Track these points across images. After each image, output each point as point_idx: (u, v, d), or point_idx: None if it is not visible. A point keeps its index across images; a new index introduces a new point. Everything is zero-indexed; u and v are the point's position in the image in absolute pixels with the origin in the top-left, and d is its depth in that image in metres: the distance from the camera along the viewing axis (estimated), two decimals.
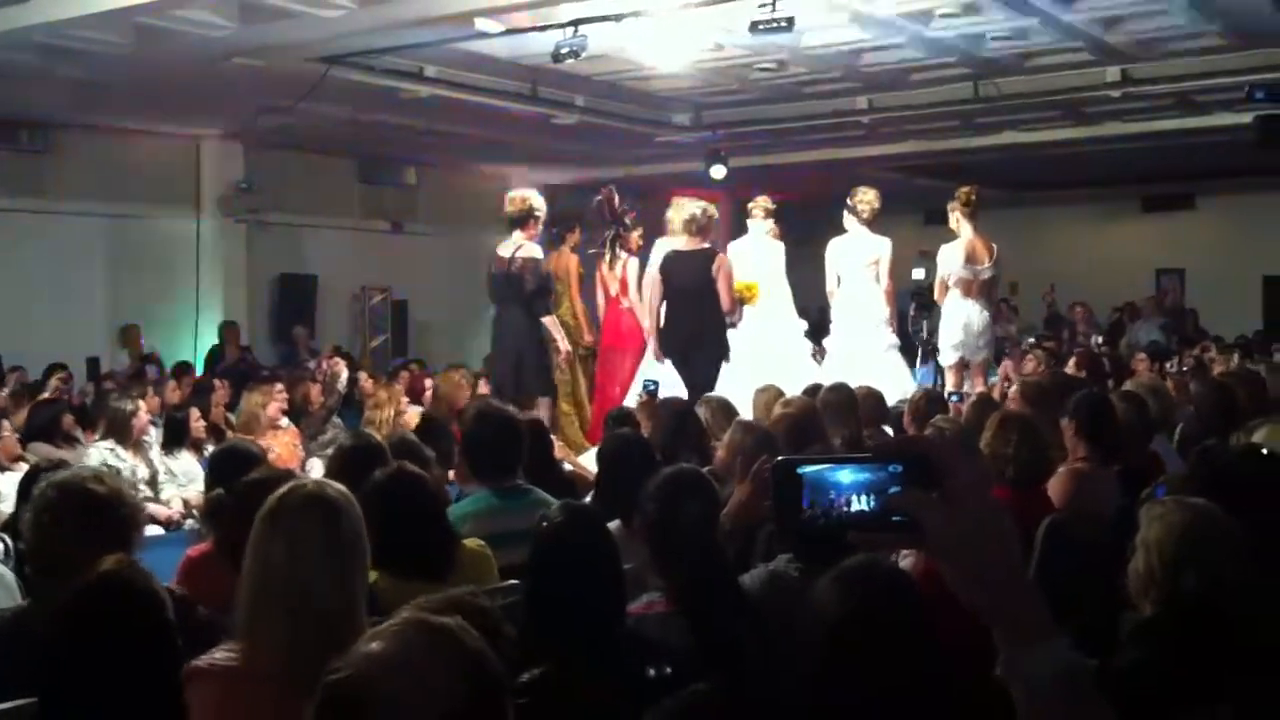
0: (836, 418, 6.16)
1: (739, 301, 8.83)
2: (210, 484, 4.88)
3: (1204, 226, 19.31)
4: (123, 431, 7.34)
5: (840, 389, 6.63)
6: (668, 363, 8.63)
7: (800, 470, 1.37)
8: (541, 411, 8.31)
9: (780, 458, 1.42)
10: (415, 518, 3.53)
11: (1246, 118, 10.94)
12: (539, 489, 4.61)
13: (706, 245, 8.55)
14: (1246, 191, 17.23)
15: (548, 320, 8.73)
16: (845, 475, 1.37)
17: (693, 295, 8.35)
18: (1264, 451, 4.20)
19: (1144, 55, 10.91)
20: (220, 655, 2.50)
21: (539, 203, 8.72)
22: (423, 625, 1.74)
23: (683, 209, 8.59)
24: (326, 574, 2.55)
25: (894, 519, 1.34)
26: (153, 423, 8.29)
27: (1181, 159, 15.74)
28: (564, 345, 8.90)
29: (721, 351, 8.39)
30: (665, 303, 8.55)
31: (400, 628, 1.73)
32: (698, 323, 8.34)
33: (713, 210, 8.73)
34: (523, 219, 8.61)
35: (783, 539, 3.73)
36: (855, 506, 1.36)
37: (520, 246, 8.52)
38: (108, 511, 3.22)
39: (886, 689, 2.25)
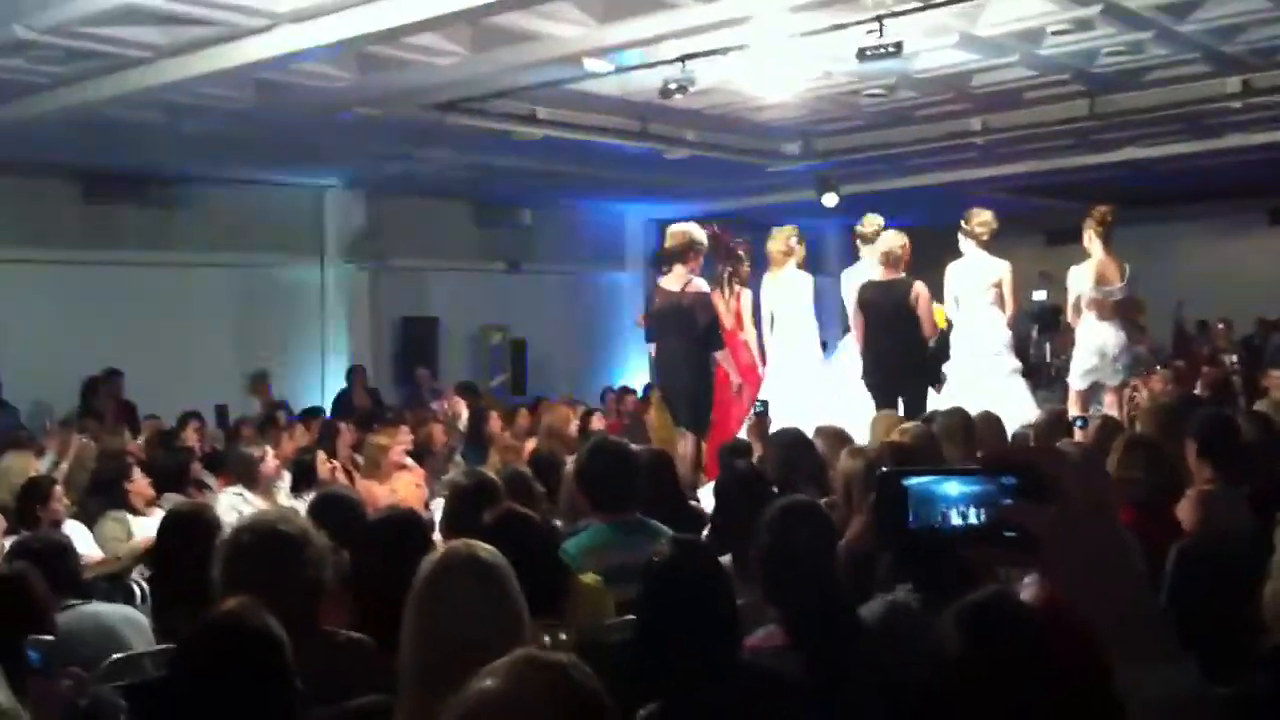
0: (952, 443, 6.09)
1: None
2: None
3: None
4: (251, 477, 7.53)
5: (955, 414, 6.54)
6: (771, 391, 8.67)
7: (905, 482, 1.33)
8: (687, 447, 8.32)
9: (884, 469, 1.39)
10: (524, 556, 3.56)
11: None
12: (660, 523, 4.62)
13: (902, 275, 8.90)
14: None
15: (720, 355, 8.81)
16: (952, 487, 1.32)
17: (893, 324, 8.73)
18: None
19: (1264, 64, 10.61)
20: None
21: (700, 235, 8.81)
22: (534, 661, 1.76)
23: (885, 242, 9.00)
24: (498, 640, 2.58)
25: (1005, 534, 1.29)
26: (286, 467, 8.53)
27: None
28: (735, 379, 8.92)
29: (928, 378, 8.76)
30: (864, 333, 8.90)
31: (511, 665, 1.75)
32: (900, 352, 8.66)
33: (906, 242, 9.02)
34: (683, 252, 8.66)
35: (898, 564, 3.69)
36: (957, 520, 1.31)
37: (689, 281, 8.58)
38: (300, 554, 3.27)
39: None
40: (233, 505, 7.23)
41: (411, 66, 9.08)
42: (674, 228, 8.89)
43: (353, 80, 9.36)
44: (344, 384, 14.01)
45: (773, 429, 6.76)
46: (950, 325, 9.54)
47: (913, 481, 1.34)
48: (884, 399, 8.66)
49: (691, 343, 8.54)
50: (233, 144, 11.17)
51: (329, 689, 2.74)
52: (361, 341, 14.86)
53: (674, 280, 8.64)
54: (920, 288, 8.97)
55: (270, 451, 7.98)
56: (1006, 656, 2.25)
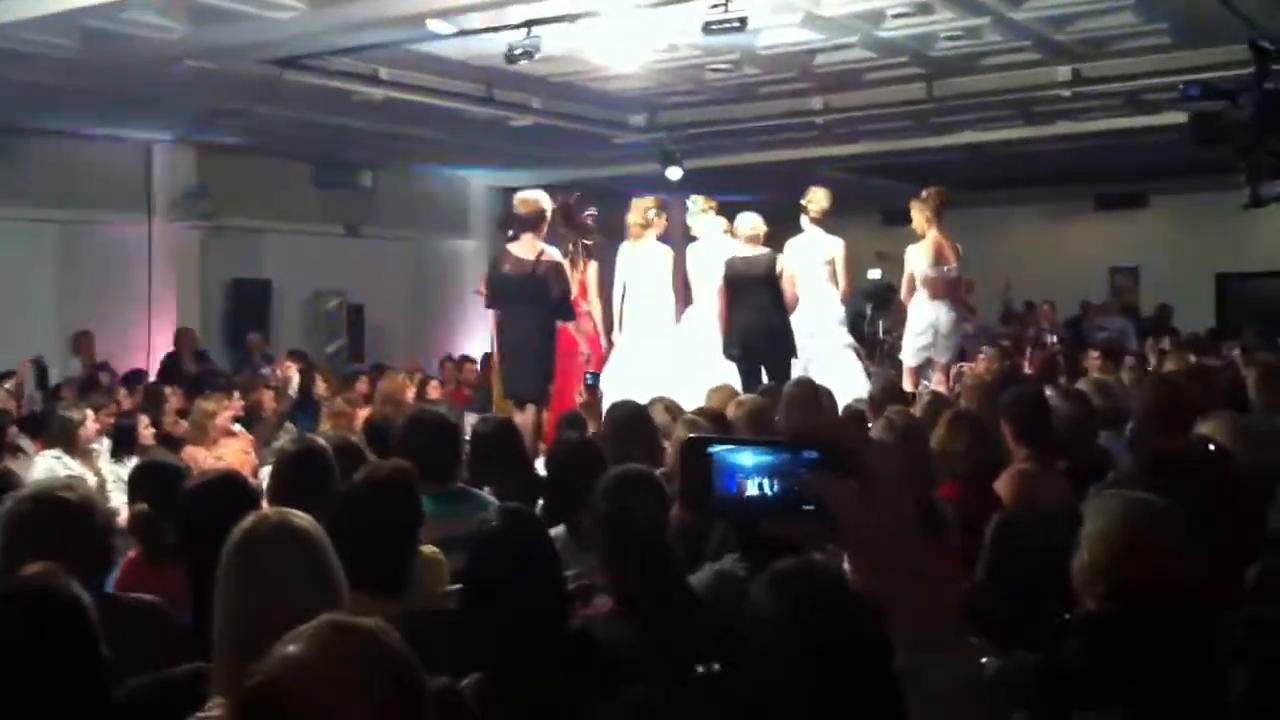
0: (799, 412, 6.17)
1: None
2: (133, 499, 4.79)
3: (1157, 224, 19.49)
4: (70, 440, 7.27)
5: (802, 382, 6.64)
6: (622, 360, 8.68)
7: (709, 450, 1.32)
8: (529, 416, 8.25)
9: (690, 435, 1.38)
10: (375, 538, 3.45)
11: None
12: (483, 494, 4.58)
13: (766, 249, 9.11)
14: (1198, 190, 17.39)
15: (572, 325, 8.77)
16: (748, 457, 1.31)
17: (759, 297, 8.93)
18: (1210, 445, 4.22)
19: (1093, 54, 10.99)
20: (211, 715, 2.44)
21: (549, 204, 8.67)
22: (340, 626, 1.72)
23: (746, 222, 9.19)
24: (315, 609, 2.51)
25: (803, 506, 1.29)
26: (107, 432, 8.25)
27: (1133, 158, 15.87)
28: (585, 348, 8.89)
29: (792, 349, 8.91)
30: (730, 304, 9.01)
31: (316, 630, 1.71)
32: (763, 322, 8.86)
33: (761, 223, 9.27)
34: (535, 221, 8.52)
35: (728, 535, 3.73)
36: (752, 490, 1.31)
37: (543, 250, 8.45)
38: (83, 521, 3.19)
39: (822, 695, 2.24)
40: (50, 469, 6.99)
41: (248, 20, 8.81)
42: (525, 195, 8.75)
43: (186, 32, 9.04)
44: (171, 347, 13.59)
45: (618, 399, 6.77)
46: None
47: (715, 450, 1.34)
48: (749, 371, 8.76)
49: (542, 311, 8.43)
50: (58, 94, 10.69)
51: (123, 656, 2.64)
52: (191, 303, 14.39)
53: (525, 248, 8.50)
54: (784, 260, 9.15)
55: (91, 415, 7.71)
56: (813, 621, 2.28)
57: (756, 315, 8.93)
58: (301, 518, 2.73)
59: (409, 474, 3.69)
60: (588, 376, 7.69)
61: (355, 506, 3.55)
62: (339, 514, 3.39)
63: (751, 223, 9.23)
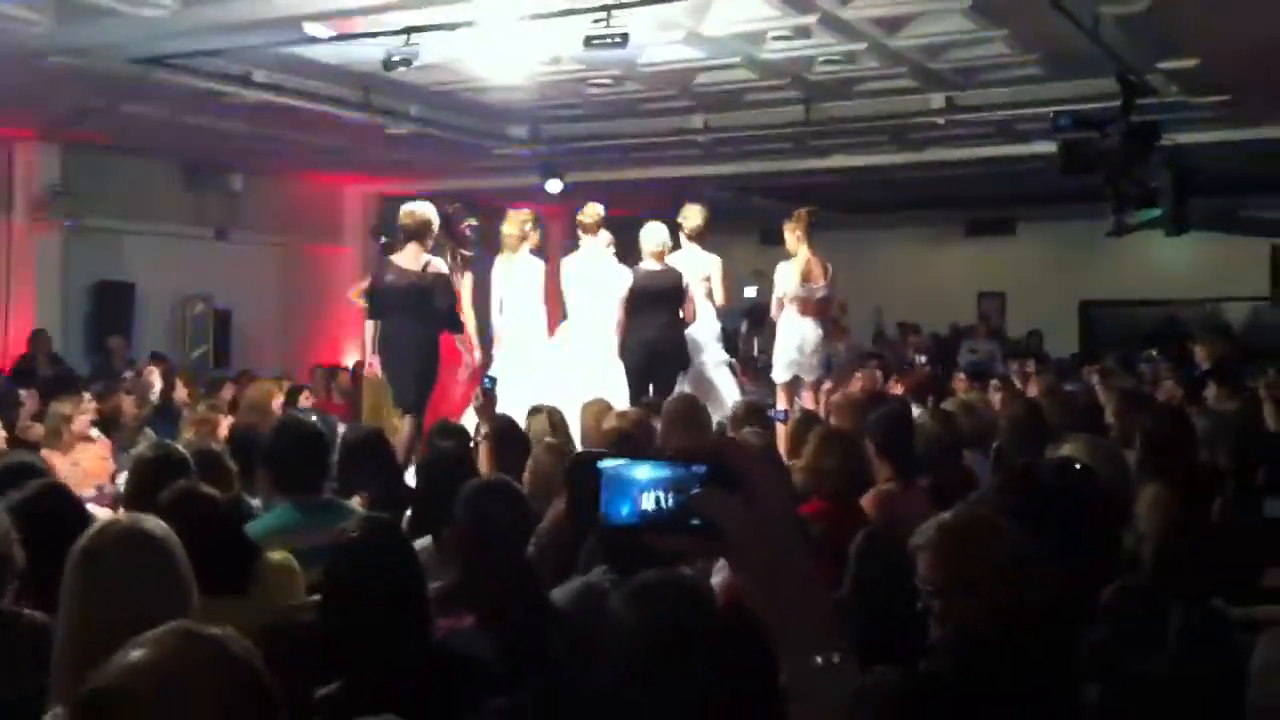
0: (679, 427, 6.16)
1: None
2: None
3: (1024, 251, 20.00)
4: None
5: (685, 399, 6.65)
6: (499, 374, 8.63)
7: (599, 465, 1.33)
8: (405, 427, 8.20)
9: (580, 451, 1.37)
10: (205, 534, 3.40)
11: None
12: (350, 506, 4.49)
13: (671, 266, 9.34)
14: (1065, 218, 17.90)
15: (460, 337, 8.79)
16: (643, 472, 1.32)
17: (661, 311, 9.20)
18: (1076, 465, 4.32)
19: (967, 83, 11.24)
20: None
21: (435, 216, 8.70)
22: (188, 633, 1.68)
23: (653, 236, 9.38)
24: (160, 617, 2.42)
25: (692, 521, 1.30)
26: None
27: (1003, 185, 16.28)
28: (473, 360, 8.92)
29: (684, 364, 9.21)
30: (630, 316, 9.19)
31: (162, 635, 1.66)
32: (664, 337, 9.14)
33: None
34: (421, 231, 8.53)
35: (596, 549, 3.69)
36: (648, 505, 1.31)
37: (429, 261, 8.46)
38: None
39: (680, 706, 2.22)
40: None
41: (117, 16, 8.56)
42: (411, 206, 8.77)
43: (52, 26, 8.75)
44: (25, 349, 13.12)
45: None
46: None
47: (606, 465, 1.34)
48: (639, 383, 8.95)
49: (425, 323, 8.43)
50: None
51: (12, 673, 2.53)
52: (51, 305, 13.91)
53: (410, 259, 8.50)
54: (686, 278, 9.41)
55: None
56: (671, 631, 2.27)
57: (658, 330, 9.18)
58: (153, 522, 2.64)
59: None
60: (485, 380, 7.67)
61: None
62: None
63: (659, 237, 9.41)
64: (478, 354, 9.43)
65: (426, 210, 8.70)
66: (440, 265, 8.63)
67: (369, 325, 9.01)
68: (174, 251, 15.24)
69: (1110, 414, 7.46)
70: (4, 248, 13.78)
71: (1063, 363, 14.71)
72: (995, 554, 2.96)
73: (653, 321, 9.17)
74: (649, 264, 9.37)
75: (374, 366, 9.05)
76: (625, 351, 9.17)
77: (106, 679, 1.61)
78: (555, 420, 6.31)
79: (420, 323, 8.42)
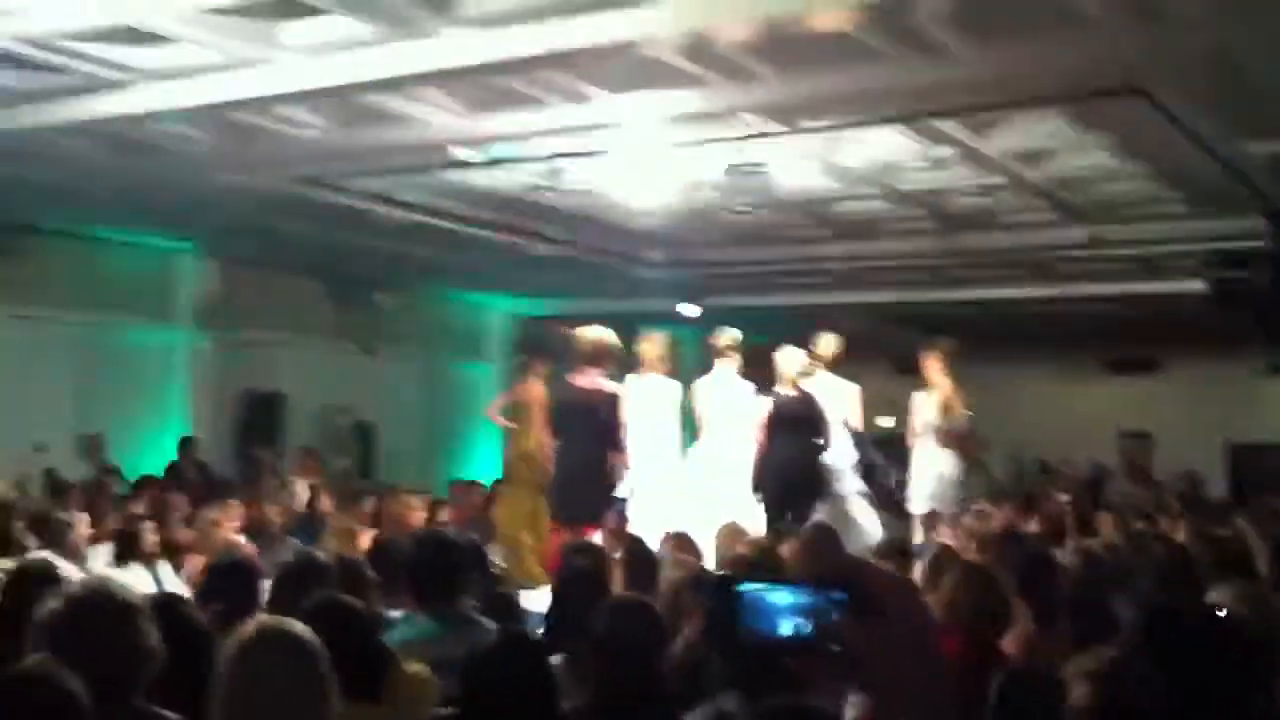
0: (811, 555, 6.09)
1: None
2: (207, 597, 4.73)
3: (1169, 391, 19.49)
4: (61, 543, 7.25)
5: (821, 527, 6.58)
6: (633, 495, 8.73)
7: (739, 588, 1.34)
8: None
9: (721, 573, 1.39)
10: (344, 641, 3.47)
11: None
12: (484, 619, 4.52)
13: (808, 392, 9.47)
14: (1210, 358, 17.45)
15: (619, 456, 9.01)
16: (783, 597, 1.34)
17: (799, 437, 9.28)
18: (1219, 612, 4.17)
19: (1109, 217, 11.12)
20: None
21: (613, 340, 9.23)
22: None
23: (791, 362, 9.56)
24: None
25: (830, 646, 1.31)
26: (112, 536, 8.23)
27: (1145, 322, 15.97)
28: (631, 479, 9.12)
29: (822, 493, 9.30)
30: (769, 441, 9.32)
31: None
32: (801, 463, 9.24)
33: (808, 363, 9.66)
34: (598, 355, 9.09)
35: (728, 673, 3.65)
36: (787, 630, 1.33)
37: (601, 385, 9.02)
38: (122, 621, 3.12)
39: None
40: None
41: (275, 136, 8.96)
42: (587, 330, 9.22)
43: (214, 144, 9.19)
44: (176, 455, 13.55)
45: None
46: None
47: (746, 588, 1.36)
48: (775, 509, 8.95)
49: (597, 441, 8.83)
50: (83, 198, 10.85)
51: None
52: (203, 412, 14.41)
53: (587, 380, 8.97)
54: (820, 405, 9.50)
55: (84, 519, 7.71)
56: None
57: (795, 455, 9.18)
58: (301, 627, 2.72)
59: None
60: (618, 504, 7.77)
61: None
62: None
63: (797, 363, 9.50)
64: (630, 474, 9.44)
65: (605, 335, 9.18)
66: (613, 386, 9.05)
67: (548, 443, 9.44)
68: (320, 364, 15.69)
69: (1263, 561, 7.18)
70: (162, 356, 14.35)
71: (1211, 506, 14.20)
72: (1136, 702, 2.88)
73: (790, 447, 9.16)
74: (786, 389, 9.37)
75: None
76: (762, 477, 9.14)
77: None
78: (685, 544, 6.30)
79: (591, 440, 8.81)
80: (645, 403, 9.63)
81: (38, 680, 2.45)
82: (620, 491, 8.87)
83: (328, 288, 15.70)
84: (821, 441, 9.36)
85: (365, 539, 7.81)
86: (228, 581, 4.63)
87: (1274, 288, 8.37)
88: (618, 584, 5.17)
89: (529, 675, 2.99)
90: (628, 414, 9.50)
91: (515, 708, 2.85)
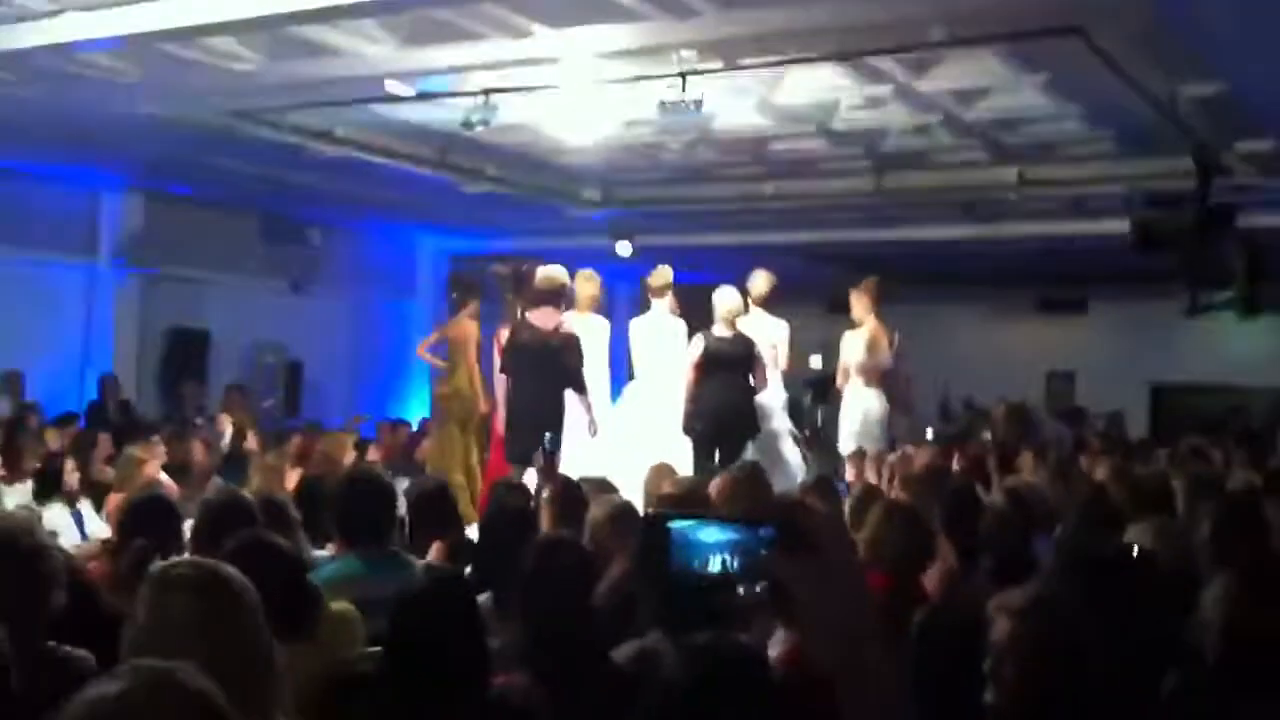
0: (740, 494, 6.13)
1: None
2: (128, 533, 4.66)
3: (1096, 331, 19.79)
4: None
5: (748, 467, 6.61)
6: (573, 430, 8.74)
7: (669, 525, 1.34)
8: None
9: (651, 510, 1.38)
10: (269, 581, 3.45)
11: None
12: (411, 558, 4.52)
13: (742, 333, 9.34)
14: (1137, 299, 17.71)
15: (581, 397, 8.92)
16: (712, 533, 1.33)
17: (732, 378, 9.17)
18: (1134, 550, 4.25)
19: (1040, 158, 11.21)
20: None
21: (567, 279, 9.15)
22: (142, 670, 1.75)
23: (726, 301, 9.37)
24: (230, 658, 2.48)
25: (759, 583, 1.31)
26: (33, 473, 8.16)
27: (1075, 263, 16.15)
28: (595, 420, 9.04)
29: (752, 431, 9.15)
30: (699, 381, 9.21)
31: (121, 672, 1.74)
32: (733, 404, 9.11)
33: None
34: (554, 295, 8.96)
35: (654, 611, 3.68)
36: (715, 566, 1.32)
37: (560, 323, 8.84)
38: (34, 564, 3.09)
39: None
40: None
41: (204, 69, 8.78)
42: (548, 269, 9.10)
43: (142, 78, 8.99)
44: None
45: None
46: None
47: (676, 525, 1.35)
48: (705, 449, 8.91)
49: (553, 382, 8.70)
50: (6, 131, 10.58)
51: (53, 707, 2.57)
52: (127, 349, 14.20)
53: (544, 319, 8.83)
54: (758, 346, 9.41)
55: None
56: (725, 691, 2.26)
57: (728, 396, 9.07)
58: (222, 566, 2.70)
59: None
60: (547, 441, 7.75)
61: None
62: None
63: (732, 303, 9.37)
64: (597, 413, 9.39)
65: (560, 274, 9.05)
66: (570, 327, 8.90)
67: (500, 379, 9.19)
68: (249, 301, 15.51)
69: (1181, 500, 7.33)
70: (84, 293, 14.10)
71: (1130, 444, 14.47)
72: (1057, 639, 2.93)
73: (722, 388, 9.14)
74: (720, 329, 9.35)
75: (498, 420, 9.35)
76: (693, 417, 9.14)
77: (68, 714, 1.68)
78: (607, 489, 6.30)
79: (548, 381, 8.68)
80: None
81: None
82: (582, 431, 8.86)
83: (259, 224, 15.48)
84: (754, 383, 9.34)
85: (291, 478, 7.76)
86: (147, 519, 4.57)
87: (1198, 230, 8.46)
88: (546, 523, 5.17)
89: (457, 614, 3.00)
90: None
91: (443, 646, 2.85)
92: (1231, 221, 9.29)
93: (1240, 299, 9.98)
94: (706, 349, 9.24)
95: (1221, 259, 9.46)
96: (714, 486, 6.14)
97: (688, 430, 9.11)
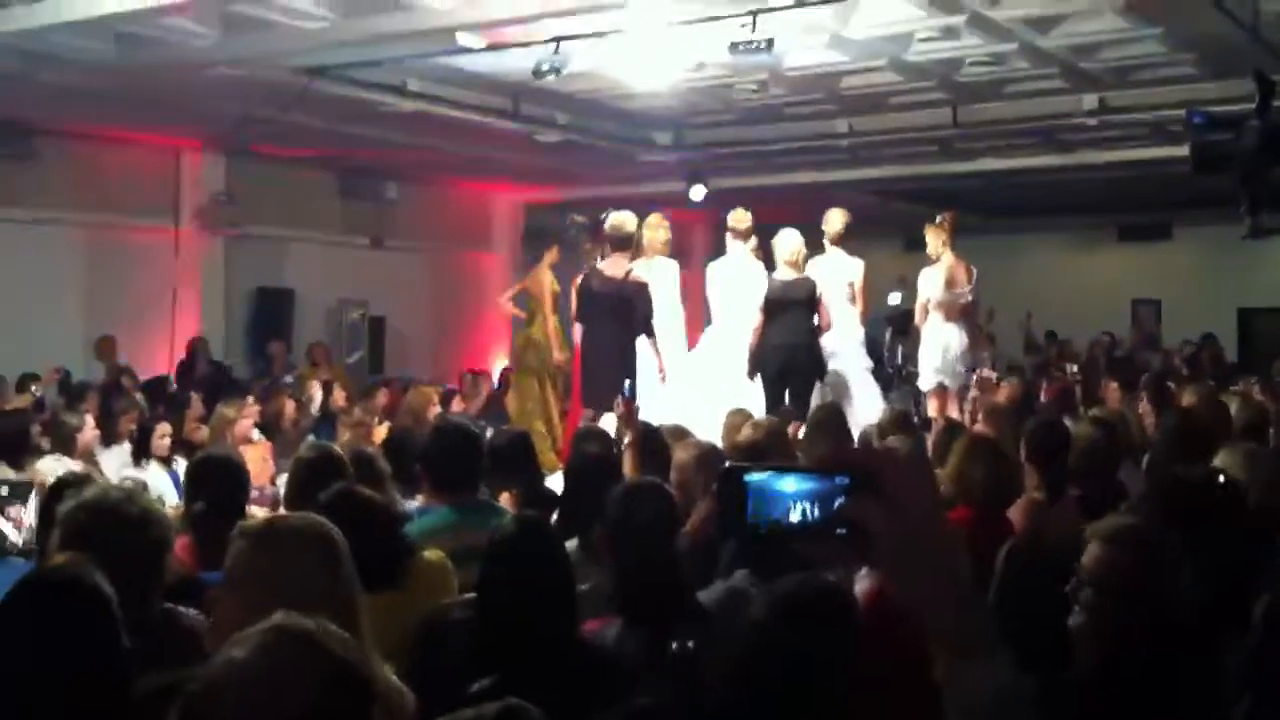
0: (821, 437, 6.16)
1: None
2: (191, 495, 4.77)
3: (1180, 257, 19.42)
4: (68, 445, 7.36)
5: (829, 409, 6.64)
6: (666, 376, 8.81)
7: (746, 478, 1.36)
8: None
9: (728, 464, 1.41)
10: (363, 533, 3.55)
11: None
12: (500, 505, 4.60)
13: (805, 275, 9.29)
14: (1222, 223, 17.30)
15: (651, 342, 9.03)
16: (789, 484, 1.35)
17: (796, 319, 9.15)
18: (1220, 479, 4.21)
19: (1120, 83, 10.99)
20: None
21: (635, 226, 9.26)
22: (283, 629, 1.78)
23: (787, 244, 9.33)
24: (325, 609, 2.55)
25: (838, 530, 1.33)
26: (131, 437, 8.35)
27: (1157, 189, 15.83)
28: (665, 365, 9.12)
29: (821, 372, 9.18)
30: (765, 324, 9.20)
31: (260, 634, 1.77)
32: (798, 345, 9.11)
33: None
34: (624, 241, 9.09)
35: (738, 553, 3.73)
36: (795, 517, 1.35)
37: (630, 270, 8.96)
38: (140, 534, 3.16)
39: (809, 697, 2.25)
40: (51, 472, 7.03)
41: (279, 28, 8.89)
42: (617, 217, 9.16)
43: (218, 38, 9.13)
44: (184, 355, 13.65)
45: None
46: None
47: (752, 477, 1.37)
48: (775, 392, 8.90)
49: (627, 327, 8.81)
50: (88, 97, 10.79)
51: (159, 665, 2.67)
52: (214, 310, 14.47)
53: (614, 267, 8.94)
54: (827, 284, 9.37)
55: (90, 420, 7.80)
56: (816, 633, 2.29)
57: (793, 337, 9.10)
58: (316, 520, 2.77)
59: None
60: (625, 388, 7.78)
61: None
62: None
63: (794, 245, 9.33)
64: (666, 359, 9.43)
65: (628, 221, 9.14)
66: (641, 274, 9.00)
67: (577, 328, 9.28)
68: (331, 258, 15.72)
69: (1274, 423, 7.23)
70: (171, 255, 14.36)
71: (1219, 371, 14.24)
72: (1147, 564, 2.93)
73: (787, 330, 9.14)
74: (783, 272, 9.32)
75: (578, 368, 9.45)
76: (760, 360, 9.16)
77: (207, 680, 1.73)
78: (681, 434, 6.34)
79: (621, 327, 8.79)
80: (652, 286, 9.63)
81: (70, 581, 2.51)
82: (654, 376, 8.92)
83: (336, 181, 15.65)
84: (817, 323, 9.30)
85: (379, 432, 7.90)
86: (205, 480, 4.59)
87: (1256, 151, 8.22)
88: (628, 469, 5.23)
89: (547, 559, 3.06)
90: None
91: (534, 591, 2.92)
92: None
93: None
94: (769, 293, 9.23)
95: None
96: (793, 430, 6.17)
97: (754, 374, 9.13)
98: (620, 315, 8.75)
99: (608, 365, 8.69)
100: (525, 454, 5.51)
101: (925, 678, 1.36)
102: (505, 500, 4.89)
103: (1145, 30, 9.35)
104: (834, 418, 6.56)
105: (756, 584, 3.54)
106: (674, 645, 2.92)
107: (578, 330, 9.28)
